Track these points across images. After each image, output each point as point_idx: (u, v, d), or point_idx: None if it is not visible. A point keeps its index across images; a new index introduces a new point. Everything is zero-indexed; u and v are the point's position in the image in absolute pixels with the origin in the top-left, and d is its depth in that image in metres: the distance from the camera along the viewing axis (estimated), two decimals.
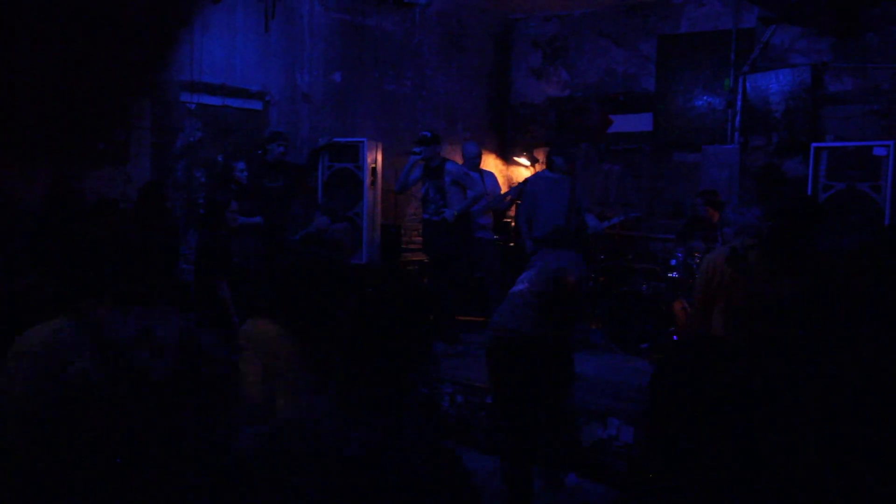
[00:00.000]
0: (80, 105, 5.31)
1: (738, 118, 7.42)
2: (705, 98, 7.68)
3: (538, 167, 8.24)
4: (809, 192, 5.72)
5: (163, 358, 1.77)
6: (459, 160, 6.93)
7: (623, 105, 8.28)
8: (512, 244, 7.45)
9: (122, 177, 5.59)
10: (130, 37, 5.54)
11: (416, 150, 6.04)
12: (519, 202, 6.76)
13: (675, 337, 5.63)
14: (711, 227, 5.91)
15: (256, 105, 6.60)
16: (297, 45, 6.86)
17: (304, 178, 6.55)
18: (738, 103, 7.40)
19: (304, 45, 6.92)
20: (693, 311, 3.53)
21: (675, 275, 5.91)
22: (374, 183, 6.80)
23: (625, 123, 8.26)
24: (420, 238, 6.82)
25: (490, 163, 8.60)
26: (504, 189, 7.56)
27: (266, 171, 6.09)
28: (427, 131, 6.18)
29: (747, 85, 7.33)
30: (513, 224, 7.62)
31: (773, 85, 7.15)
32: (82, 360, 1.71)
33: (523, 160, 8.66)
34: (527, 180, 6.58)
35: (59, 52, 5.16)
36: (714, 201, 6.06)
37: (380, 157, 6.93)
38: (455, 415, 5.11)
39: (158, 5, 5.75)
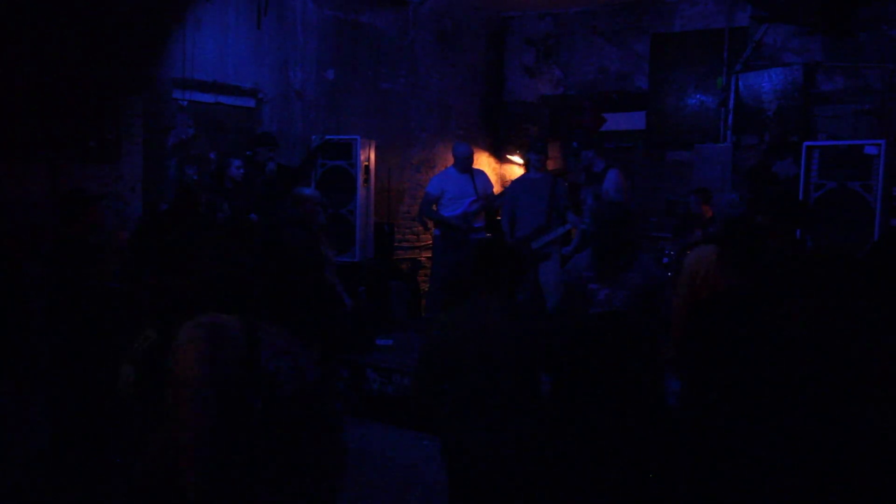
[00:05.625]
0: (72, 102, 5.28)
1: (730, 117, 7.44)
2: (698, 97, 7.70)
3: None
4: (801, 190, 5.75)
5: (298, 380, 1.94)
6: (450, 160, 6.92)
7: (616, 103, 8.30)
8: None
9: (114, 174, 5.56)
10: (122, 34, 5.52)
11: None
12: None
13: None
14: (705, 225, 5.95)
15: (249, 102, 6.58)
16: (289, 43, 6.84)
17: (298, 180, 6.54)
18: (731, 102, 7.42)
19: (297, 42, 6.90)
20: (677, 303, 3.53)
21: (668, 273, 5.92)
22: (367, 181, 6.79)
23: (618, 122, 8.28)
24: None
25: (483, 161, 8.60)
26: (497, 188, 7.57)
27: (258, 171, 6.08)
28: None
29: (740, 84, 7.36)
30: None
31: (766, 84, 7.17)
32: (237, 351, 1.84)
33: (516, 158, 8.67)
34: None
35: (50, 48, 5.13)
36: (709, 199, 6.12)
37: (373, 155, 6.92)
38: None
39: (151, 2, 5.73)
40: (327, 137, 6.71)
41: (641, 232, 7.76)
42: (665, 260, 6.01)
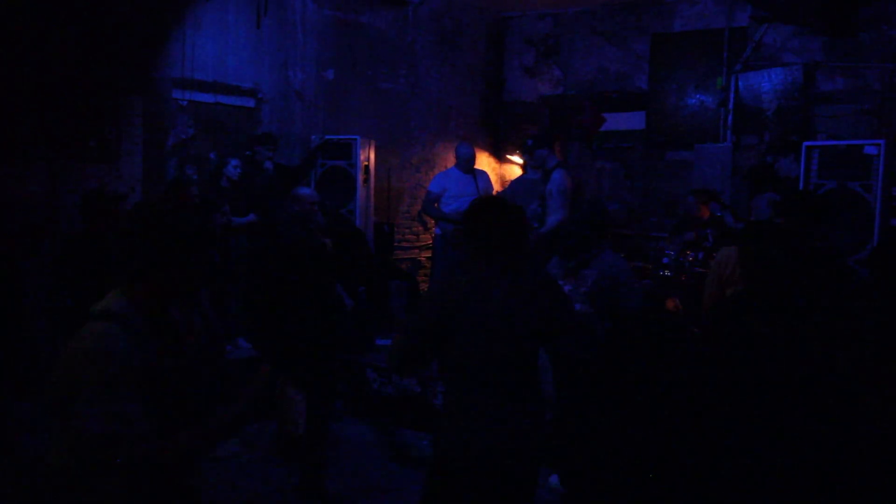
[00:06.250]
0: (72, 102, 5.29)
1: (730, 117, 7.44)
2: (698, 97, 7.70)
3: None
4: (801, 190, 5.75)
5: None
6: (453, 160, 6.93)
7: (616, 103, 8.29)
8: None
9: (113, 174, 5.57)
10: (122, 33, 5.52)
11: None
12: None
13: None
14: (703, 225, 5.95)
15: (249, 102, 6.58)
16: (289, 43, 6.84)
17: (298, 180, 6.54)
18: (731, 102, 7.42)
19: (297, 42, 6.90)
20: (705, 300, 3.68)
21: (667, 273, 5.92)
22: (366, 181, 6.80)
23: (618, 122, 8.28)
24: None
25: (483, 161, 8.60)
26: (497, 189, 7.57)
27: (258, 171, 6.08)
28: None
29: (740, 84, 7.36)
30: None
31: (766, 84, 7.17)
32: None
33: (516, 158, 8.67)
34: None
35: (50, 48, 5.14)
36: (707, 200, 6.10)
37: (373, 155, 6.93)
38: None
39: (151, 2, 5.73)
40: (327, 137, 6.72)
41: (642, 231, 7.77)
42: (665, 260, 5.99)
